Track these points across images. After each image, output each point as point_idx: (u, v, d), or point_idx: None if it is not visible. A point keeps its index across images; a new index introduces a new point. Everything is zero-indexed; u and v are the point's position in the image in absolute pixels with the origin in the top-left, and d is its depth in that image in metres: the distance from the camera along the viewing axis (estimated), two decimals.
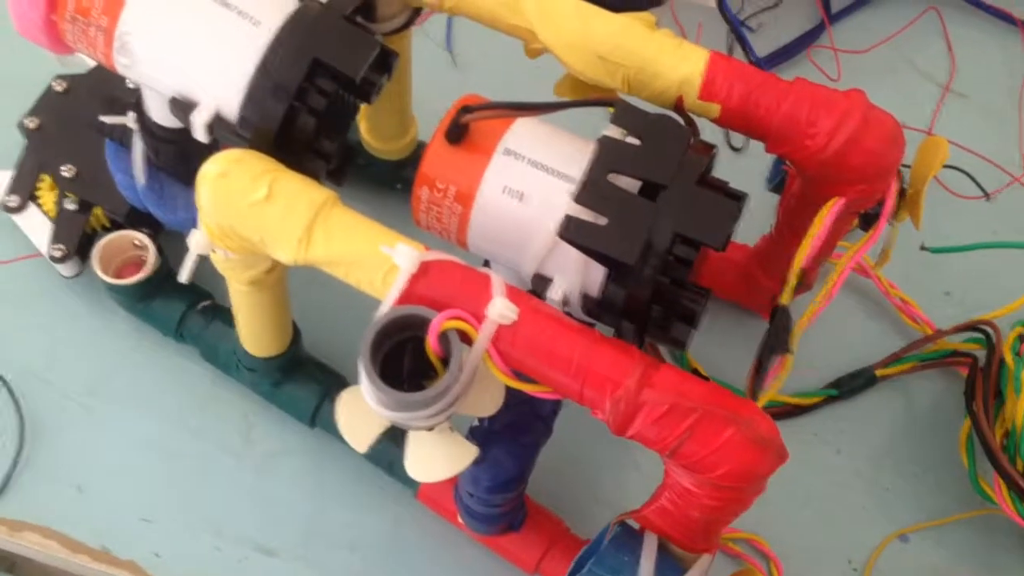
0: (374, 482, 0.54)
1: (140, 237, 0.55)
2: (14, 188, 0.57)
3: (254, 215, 0.37)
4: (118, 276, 0.54)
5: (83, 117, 0.55)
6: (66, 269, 0.57)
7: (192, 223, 0.41)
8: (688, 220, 0.36)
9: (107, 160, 0.53)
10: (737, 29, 0.49)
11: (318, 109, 0.40)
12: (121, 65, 0.42)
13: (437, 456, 0.39)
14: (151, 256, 0.54)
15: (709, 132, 0.40)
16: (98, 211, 0.56)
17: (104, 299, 0.57)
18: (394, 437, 0.48)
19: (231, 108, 0.40)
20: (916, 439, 0.57)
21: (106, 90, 0.54)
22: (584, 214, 0.36)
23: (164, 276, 0.55)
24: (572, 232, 0.36)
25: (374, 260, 0.36)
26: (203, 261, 0.42)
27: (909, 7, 0.72)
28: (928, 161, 0.44)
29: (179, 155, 0.49)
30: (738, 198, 0.37)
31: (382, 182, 0.60)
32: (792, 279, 0.39)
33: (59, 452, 0.54)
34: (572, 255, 0.38)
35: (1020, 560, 0.54)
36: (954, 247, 0.58)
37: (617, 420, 0.35)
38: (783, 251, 0.51)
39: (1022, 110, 0.69)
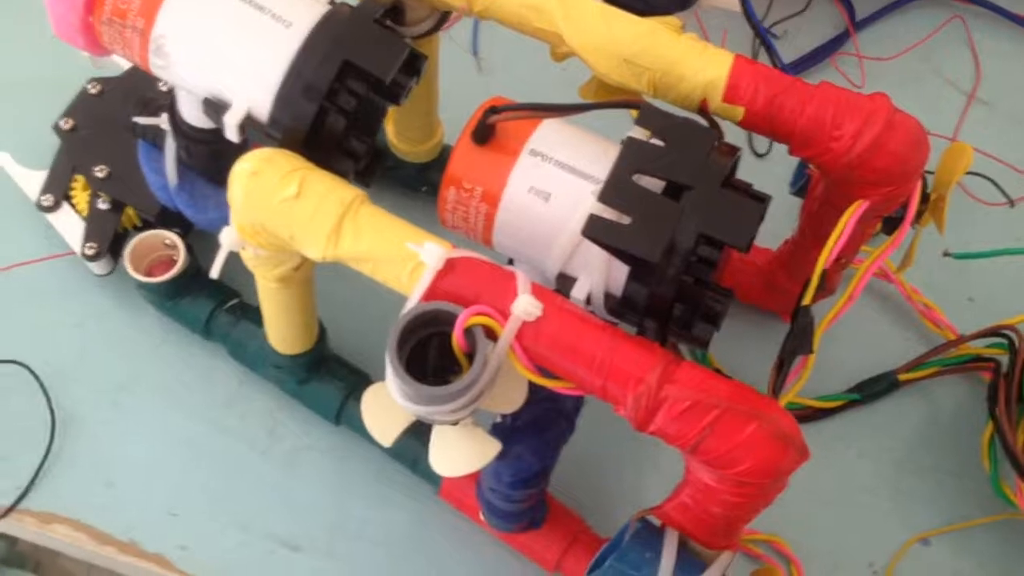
0: (397, 479, 0.54)
1: (171, 236, 0.56)
2: (48, 188, 0.58)
3: (284, 212, 0.38)
4: (148, 274, 0.55)
5: (117, 119, 0.57)
6: (98, 267, 0.58)
7: (222, 222, 0.41)
8: (712, 221, 0.36)
9: (140, 160, 0.54)
10: (762, 34, 0.49)
11: (348, 110, 0.40)
12: (156, 67, 0.43)
13: (461, 451, 0.40)
14: (181, 255, 0.55)
15: (731, 137, 0.41)
16: (130, 211, 0.57)
17: (134, 297, 0.58)
18: (418, 435, 0.49)
19: (263, 108, 0.41)
20: (938, 443, 0.57)
21: (139, 92, 0.55)
22: (608, 213, 0.37)
23: (193, 275, 0.56)
24: (596, 230, 0.37)
25: (401, 257, 0.37)
26: (232, 259, 0.42)
27: (934, 15, 0.72)
28: (952, 166, 0.44)
29: (210, 155, 0.50)
30: (762, 200, 0.38)
31: (408, 184, 0.61)
32: (815, 279, 0.39)
33: (89, 447, 0.55)
34: (596, 254, 0.38)
35: None
36: (977, 253, 0.58)
37: (639, 416, 0.35)
38: (805, 255, 0.52)
39: None
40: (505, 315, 0.36)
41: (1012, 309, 0.57)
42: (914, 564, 0.54)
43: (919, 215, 0.44)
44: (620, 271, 0.39)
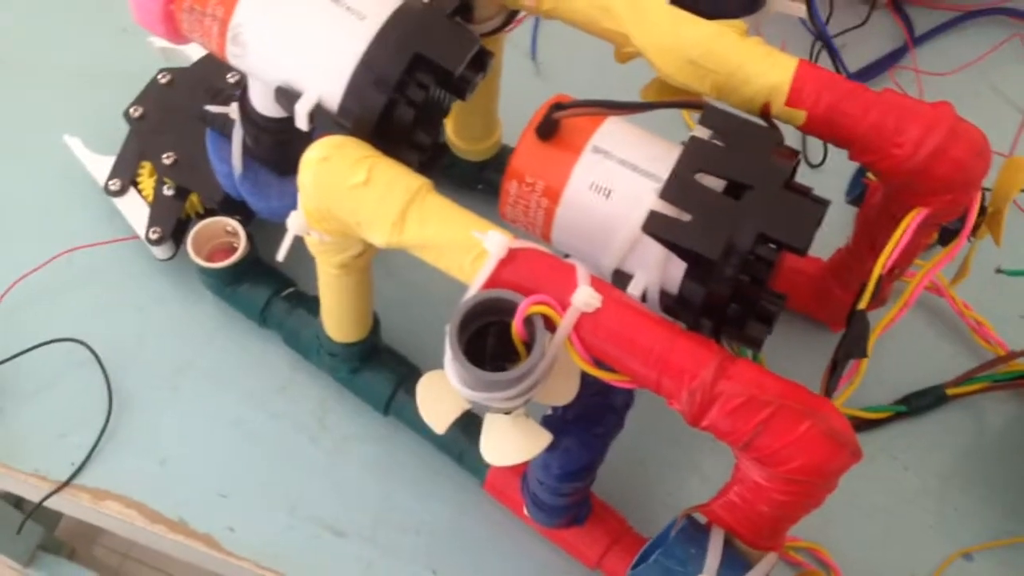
0: (443, 471, 0.55)
1: (232, 224, 0.57)
2: (116, 173, 0.60)
3: (352, 198, 0.39)
4: (209, 260, 0.57)
5: (185, 108, 0.58)
6: (161, 252, 0.59)
7: (284, 211, 0.43)
8: (773, 221, 0.37)
9: (207, 148, 0.55)
10: (827, 38, 0.50)
11: (416, 102, 0.41)
12: (232, 55, 0.44)
13: (512, 440, 0.41)
14: (242, 242, 0.57)
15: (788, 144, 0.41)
16: (194, 197, 0.59)
17: (193, 283, 0.60)
18: (465, 428, 0.50)
19: (334, 98, 0.42)
20: (985, 460, 0.57)
21: (208, 83, 0.57)
22: (669, 210, 0.37)
23: (252, 262, 0.58)
24: (656, 227, 0.37)
25: (464, 245, 0.38)
26: (291, 248, 0.43)
27: (993, 33, 0.72)
28: (1011, 179, 0.44)
29: (276, 145, 0.51)
30: (822, 203, 0.38)
31: (464, 182, 0.62)
32: (872, 282, 0.39)
33: (144, 426, 0.57)
34: (654, 251, 0.39)
35: None
36: None
37: (693, 410, 0.36)
38: (859, 264, 0.52)
39: None
40: (564, 306, 0.36)
41: None
42: None
43: (976, 227, 0.44)
44: (677, 269, 0.39)
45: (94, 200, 0.61)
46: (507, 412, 0.40)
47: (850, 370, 0.42)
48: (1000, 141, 0.67)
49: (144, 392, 0.57)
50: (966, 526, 0.55)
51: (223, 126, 0.53)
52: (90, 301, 0.60)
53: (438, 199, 0.39)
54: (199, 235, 0.57)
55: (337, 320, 0.52)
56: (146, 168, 0.60)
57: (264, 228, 0.57)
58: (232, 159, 0.53)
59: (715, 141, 0.39)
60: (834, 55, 0.51)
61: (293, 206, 0.42)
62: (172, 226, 0.58)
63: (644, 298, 0.40)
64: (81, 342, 0.58)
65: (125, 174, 0.60)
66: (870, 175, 0.49)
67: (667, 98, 0.45)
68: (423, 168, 0.45)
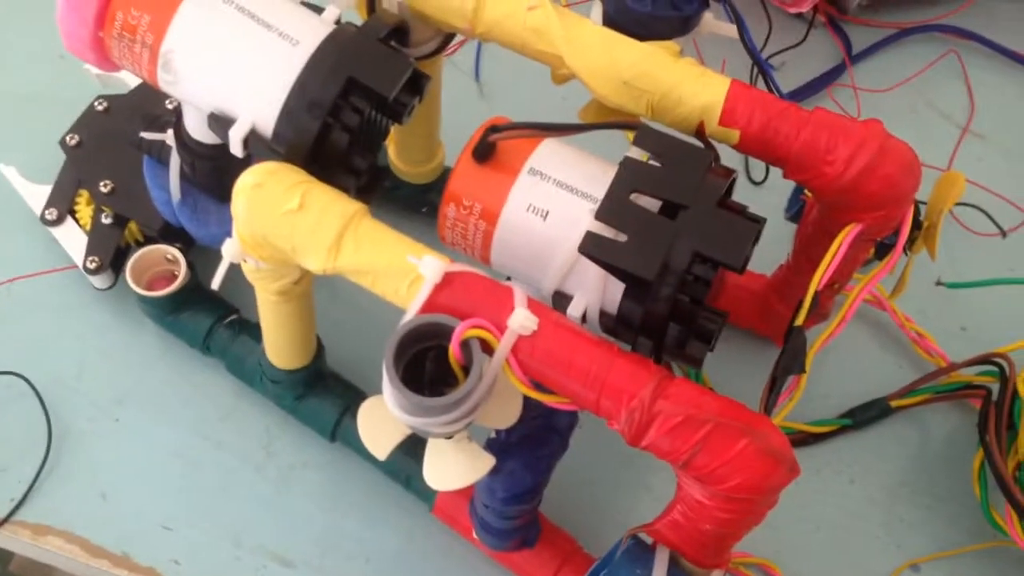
0: (391, 497, 0.55)
1: (172, 251, 0.56)
2: (52, 202, 0.59)
3: (286, 224, 0.38)
4: (149, 289, 0.56)
5: (122, 135, 0.57)
6: (99, 281, 0.58)
7: (223, 237, 0.42)
8: (708, 240, 0.37)
9: (145, 176, 0.54)
10: (760, 61, 0.50)
11: (351, 126, 0.41)
12: (164, 82, 0.43)
13: (455, 465, 0.40)
14: (182, 270, 0.56)
15: (727, 163, 0.41)
16: (132, 226, 0.58)
17: (134, 312, 0.59)
18: (411, 452, 0.49)
19: (267, 124, 0.41)
20: (929, 470, 0.58)
21: (145, 110, 0.56)
22: (605, 231, 0.37)
23: (193, 290, 0.57)
24: (593, 248, 0.37)
25: (400, 270, 0.37)
26: (232, 275, 0.43)
27: (929, 49, 0.73)
28: (944, 194, 0.45)
29: (213, 171, 0.50)
30: (757, 221, 0.38)
31: (408, 205, 0.61)
32: (808, 299, 0.40)
33: (85, 459, 0.56)
34: (592, 272, 0.39)
35: None
36: (970, 283, 0.58)
37: (632, 430, 0.36)
38: (800, 279, 0.52)
39: None
40: (501, 329, 0.36)
41: (1003, 338, 0.57)
42: None
43: (911, 241, 0.45)
44: (616, 289, 0.39)
45: (31, 230, 0.60)
46: (448, 436, 0.40)
47: (790, 386, 0.42)
48: (937, 156, 0.68)
49: (84, 424, 0.56)
50: (914, 537, 0.56)
51: (160, 153, 0.53)
52: (28, 333, 0.59)
53: (373, 224, 0.39)
54: (138, 263, 0.56)
55: (279, 347, 0.51)
56: (83, 196, 0.59)
57: (205, 255, 0.57)
58: (170, 186, 0.52)
59: (651, 162, 0.39)
60: (766, 75, 0.51)
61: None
62: (111, 255, 0.57)
63: (584, 319, 0.40)
64: (18, 375, 0.57)
65: (62, 203, 0.59)
66: (807, 192, 0.49)
67: (605, 119, 0.45)
68: (365, 191, 0.45)
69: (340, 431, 0.55)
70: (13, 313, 0.59)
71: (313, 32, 0.42)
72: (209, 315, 0.57)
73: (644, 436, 0.35)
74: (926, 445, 0.58)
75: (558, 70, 0.44)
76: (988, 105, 0.71)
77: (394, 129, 0.51)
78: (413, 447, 0.42)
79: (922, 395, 0.58)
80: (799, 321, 0.40)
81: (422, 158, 0.59)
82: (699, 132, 0.42)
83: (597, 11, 0.45)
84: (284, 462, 0.56)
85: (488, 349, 0.36)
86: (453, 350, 0.36)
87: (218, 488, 0.55)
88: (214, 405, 0.57)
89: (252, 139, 0.42)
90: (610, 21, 0.45)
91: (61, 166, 0.60)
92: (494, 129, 0.41)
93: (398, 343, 0.36)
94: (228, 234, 0.42)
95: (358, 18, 0.46)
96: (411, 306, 0.37)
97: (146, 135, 0.52)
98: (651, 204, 0.38)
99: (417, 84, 0.43)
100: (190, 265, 0.56)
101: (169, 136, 0.50)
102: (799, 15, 0.72)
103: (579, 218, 0.39)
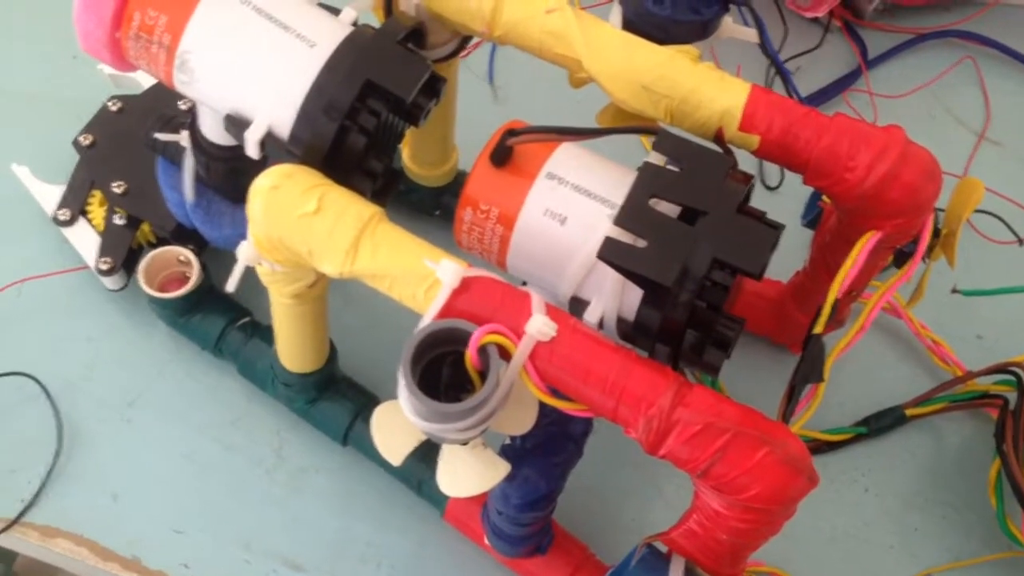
0: (402, 502, 0.54)
1: (185, 253, 0.56)
2: (65, 202, 0.59)
3: (303, 227, 0.38)
4: (162, 290, 0.56)
5: (135, 136, 0.57)
6: (112, 282, 0.58)
7: (236, 239, 0.42)
8: (727, 246, 0.37)
9: (158, 177, 0.54)
10: (779, 64, 0.50)
11: (368, 129, 0.41)
12: (180, 82, 0.43)
13: (469, 471, 0.40)
14: (194, 272, 0.56)
15: (743, 169, 0.41)
16: (145, 227, 0.58)
17: (146, 313, 0.58)
18: (424, 458, 0.49)
19: (284, 126, 0.41)
20: (945, 479, 0.57)
21: (159, 110, 0.56)
22: (624, 236, 0.37)
23: (206, 292, 0.57)
24: (611, 253, 0.37)
25: (418, 274, 0.37)
26: (246, 277, 0.42)
27: (946, 55, 0.73)
28: (963, 201, 0.44)
29: (228, 173, 0.50)
30: (776, 227, 0.38)
31: (422, 208, 0.61)
32: (827, 307, 0.39)
33: (95, 461, 0.55)
34: (610, 278, 0.39)
35: None
36: (986, 291, 0.58)
37: (650, 439, 0.35)
38: (817, 286, 0.52)
39: None
40: (519, 335, 0.36)
41: (1020, 347, 0.57)
42: None
43: (930, 249, 0.45)
44: (633, 295, 0.39)
45: (43, 230, 0.60)
46: (464, 443, 0.39)
47: (808, 394, 0.41)
48: (953, 163, 0.68)
49: (95, 426, 0.56)
50: (927, 547, 0.55)
51: (174, 154, 0.53)
52: (39, 333, 0.59)
53: (390, 227, 0.38)
54: (151, 265, 0.56)
55: (292, 350, 0.51)
56: (96, 197, 0.59)
57: (218, 257, 0.56)
58: (183, 187, 0.52)
59: (669, 167, 0.38)
60: (786, 80, 0.51)
61: (246, 234, 0.41)
62: (123, 256, 0.57)
63: (601, 325, 0.40)
64: (29, 375, 0.56)
65: (74, 203, 0.59)
66: (825, 198, 0.49)
67: (622, 123, 0.45)
68: (378, 194, 0.44)
69: (352, 435, 0.55)
70: (24, 314, 0.59)
71: (331, 34, 0.41)
72: (221, 317, 0.57)
73: (663, 444, 0.35)
74: (942, 454, 0.58)
75: (576, 74, 0.44)
76: (1004, 111, 0.71)
77: (409, 132, 0.50)
78: (426, 452, 0.41)
79: (938, 404, 0.58)
80: (818, 329, 0.40)
81: (437, 161, 0.59)
82: (718, 137, 0.42)
83: (616, 14, 0.45)
84: (295, 466, 0.56)
85: (505, 355, 0.36)
86: (470, 356, 0.36)
87: (229, 491, 0.55)
88: (226, 408, 0.57)
89: (268, 141, 0.42)
90: (629, 24, 0.44)
91: (74, 166, 0.60)
92: (511, 133, 0.40)
93: (415, 348, 0.36)
94: (242, 236, 0.41)
95: (375, 20, 0.45)
96: (428, 311, 0.37)
97: (160, 136, 0.52)
98: (670, 210, 0.38)
99: (434, 87, 0.43)
100: (203, 267, 0.56)
101: (183, 137, 0.50)
102: (815, 20, 0.72)
103: (597, 223, 0.39)
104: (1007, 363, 0.55)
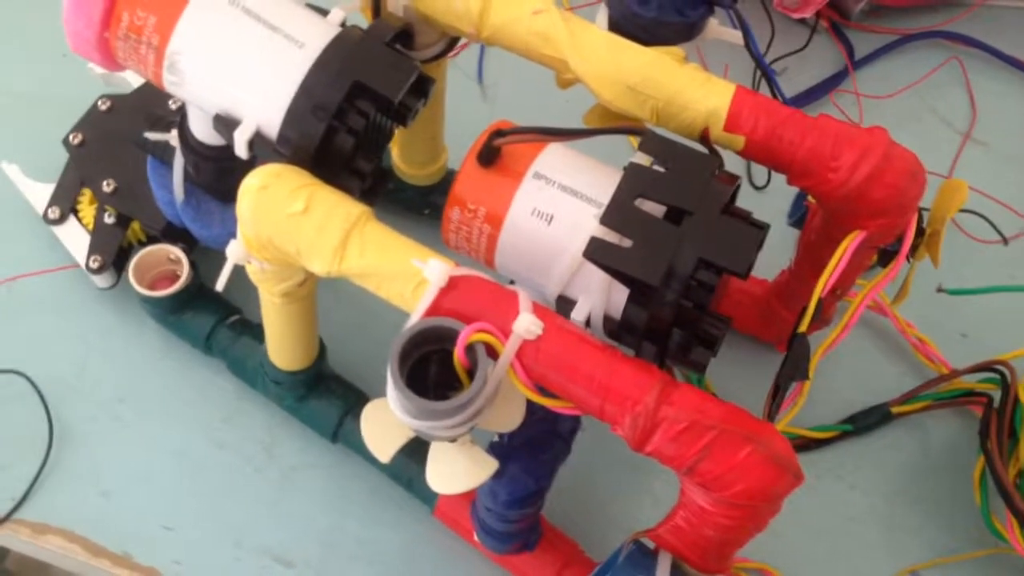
0: (392, 499, 0.55)
1: (175, 251, 0.56)
2: (55, 201, 0.59)
3: (291, 226, 0.38)
4: (152, 288, 0.56)
5: (125, 135, 0.57)
6: (102, 280, 0.58)
7: (226, 238, 0.42)
8: (712, 246, 0.37)
9: (148, 176, 0.54)
10: (765, 68, 0.50)
11: (356, 129, 0.41)
12: (169, 83, 0.43)
13: (458, 468, 0.40)
14: (184, 270, 0.56)
15: (730, 169, 0.41)
16: (135, 225, 0.58)
17: (136, 311, 0.59)
18: (413, 455, 0.49)
19: (273, 126, 0.41)
20: (930, 477, 0.58)
21: (149, 110, 0.56)
22: (610, 236, 0.37)
23: (196, 290, 0.57)
24: (597, 253, 0.37)
25: (405, 273, 0.37)
26: (235, 275, 0.43)
27: (932, 56, 0.74)
28: (947, 201, 0.45)
29: (217, 172, 0.50)
30: (761, 227, 0.38)
31: (411, 207, 0.62)
32: (812, 306, 0.40)
33: (86, 458, 0.56)
34: (596, 277, 0.39)
35: None
36: (971, 289, 0.59)
37: (636, 436, 0.36)
38: (803, 285, 0.52)
39: None
40: (506, 333, 0.36)
41: (1004, 345, 0.57)
42: None
43: (914, 248, 0.45)
44: (620, 294, 0.39)
45: (33, 228, 0.60)
46: (452, 440, 0.40)
47: (793, 392, 0.42)
48: (939, 163, 0.68)
49: (86, 423, 0.56)
50: (912, 544, 0.56)
51: (163, 153, 0.53)
52: (30, 331, 0.59)
53: (378, 227, 0.39)
54: (141, 263, 0.56)
55: (282, 348, 0.51)
56: (86, 196, 0.59)
57: (208, 255, 0.57)
58: (173, 186, 0.52)
59: (655, 167, 0.39)
60: (771, 82, 0.51)
61: (236, 233, 0.41)
62: (113, 254, 0.57)
63: (588, 323, 0.40)
64: (20, 373, 0.57)
65: (65, 202, 0.59)
66: (810, 198, 0.49)
67: (609, 124, 0.45)
68: (369, 194, 0.45)
69: (342, 432, 0.55)
70: (15, 311, 0.59)
71: (319, 34, 0.42)
72: (211, 315, 0.57)
73: (648, 442, 0.35)
74: (927, 452, 0.58)
75: (563, 74, 0.44)
76: (990, 112, 0.72)
77: (397, 131, 0.51)
78: (415, 449, 0.42)
79: (923, 402, 0.58)
80: (802, 328, 0.40)
81: (425, 160, 0.60)
82: (704, 138, 0.42)
83: (602, 16, 0.45)
84: (286, 463, 0.56)
85: (493, 353, 0.36)
86: (458, 354, 0.36)
87: (219, 488, 0.55)
88: (216, 405, 0.57)
89: (257, 141, 0.42)
90: (615, 26, 0.45)
91: (64, 165, 0.60)
92: (499, 133, 0.41)
93: (403, 346, 0.36)
94: (231, 235, 0.42)
95: (363, 21, 0.46)
96: (416, 309, 0.37)
97: (150, 135, 0.52)
98: (656, 210, 0.38)
99: (422, 87, 0.43)
100: (193, 265, 0.56)
101: (173, 136, 0.50)
102: (802, 20, 0.72)
103: (584, 223, 0.39)
104: (991, 361, 0.55)
